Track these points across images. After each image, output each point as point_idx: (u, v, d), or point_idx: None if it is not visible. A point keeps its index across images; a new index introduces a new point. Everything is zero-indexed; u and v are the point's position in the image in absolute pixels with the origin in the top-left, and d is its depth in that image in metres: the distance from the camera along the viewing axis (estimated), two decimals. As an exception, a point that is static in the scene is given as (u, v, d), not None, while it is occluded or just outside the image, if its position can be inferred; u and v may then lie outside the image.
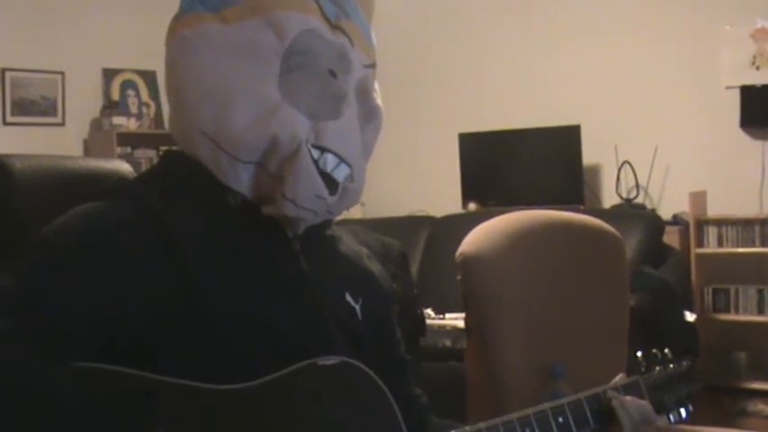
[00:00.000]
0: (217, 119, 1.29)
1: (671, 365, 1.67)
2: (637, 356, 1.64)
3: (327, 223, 1.44)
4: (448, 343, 4.41)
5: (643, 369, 1.62)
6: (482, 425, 1.35)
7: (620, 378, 1.58)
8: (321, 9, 1.34)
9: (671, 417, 1.63)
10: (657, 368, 1.65)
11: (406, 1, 6.31)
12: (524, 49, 5.93)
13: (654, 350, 1.67)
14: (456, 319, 4.48)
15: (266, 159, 1.30)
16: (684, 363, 1.69)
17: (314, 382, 1.23)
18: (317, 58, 1.33)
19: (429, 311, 4.71)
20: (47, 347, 1.08)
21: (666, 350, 1.68)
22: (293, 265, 1.35)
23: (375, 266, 1.51)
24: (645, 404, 1.55)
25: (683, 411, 1.65)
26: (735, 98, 5.22)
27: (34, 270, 1.15)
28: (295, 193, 1.29)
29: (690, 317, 4.77)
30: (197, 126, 1.30)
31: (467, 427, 1.35)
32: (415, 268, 5.10)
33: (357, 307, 1.40)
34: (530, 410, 1.41)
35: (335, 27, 1.35)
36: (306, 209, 1.31)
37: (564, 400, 1.47)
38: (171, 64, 1.35)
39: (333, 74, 1.34)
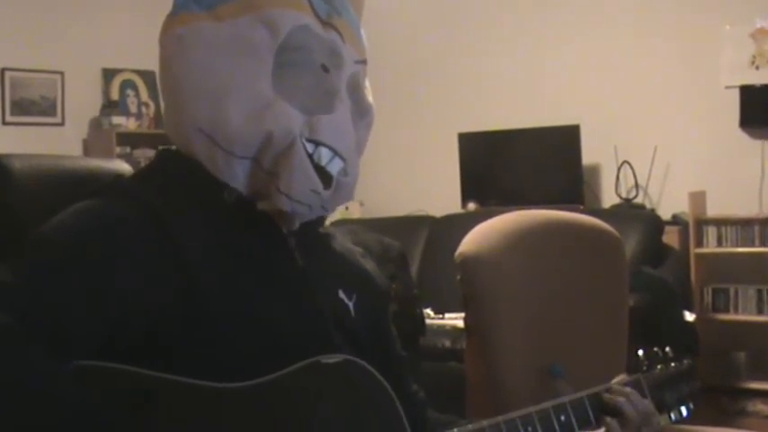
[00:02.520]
0: (212, 115, 1.30)
1: (672, 364, 1.67)
2: (638, 355, 1.64)
3: (321, 221, 1.44)
4: (447, 343, 4.40)
5: (645, 367, 1.63)
6: (484, 423, 1.36)
7: (620, 379, 1.59)
8: (312, 6, 1.36)
9: (672, 415, 1.63)
10: (659, 366, 1.65)
11: (406, 0, 6.31)
12: (524, 48, 5.93)
13: (655, 348, 1.67)
14: (455, 319, 4.48)
15: (261, 155, 1.30)
16: (686, 361, 1.69)
17: (317, 380, 1.23)
18: (309, 54, 1.34)
19: (428, 311, 4.71)
20: (47, 347, 1.08)
21: (668, 348, 1.68)
22: (290, 262, 1.35)
23: (369, 264, 1.51)
24: (647, 403, 1.55)
25: (683, 410, 1.65)
26: (734, 98, 5.22)
27: (33, 269, 1.15)
28: (290, 188, 1.30)
29: (689, 317, 4.77)
30: (192, 122, 1.31)
31: (469, 426, 1.35)
32: (414, 268, 5.10)
33: (350, 304, 1.40)
34: (532, 409, 1.41)
35: (326, 23, 1.37)
36: (300, 203, 1.31)
37: (566, 399, 1.47)
38: (165, 62, 1.35)
39: (325, 69, 1.35)
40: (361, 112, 1.42)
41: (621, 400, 1.51)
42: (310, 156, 1.31)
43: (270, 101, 1.30)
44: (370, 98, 1.44)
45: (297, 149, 1.30)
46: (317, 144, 1.32)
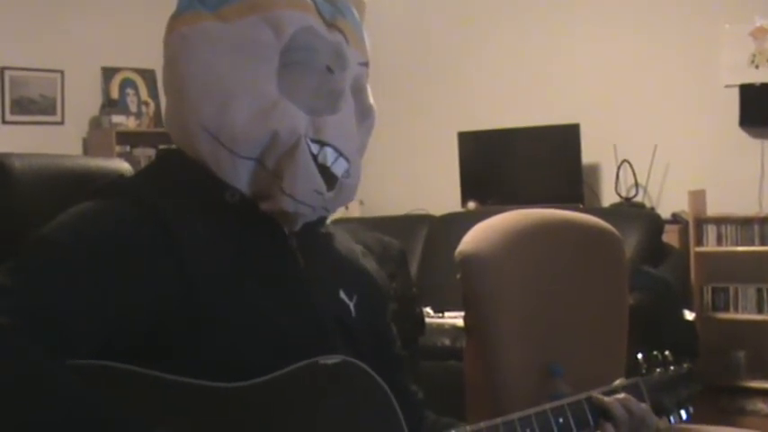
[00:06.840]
0: (217, 115, 1.30)
1: (671, 367, 1.67)
2: (637, 358, 1.64)
3: (322, 221, 1.44)
4: (447, 342, 4.40)
5: (644, 371, 1.63)
6: (482, 424, 1.36)
7: (619, 382, 1.59)
8: (317, 7, 1.36)
9: (671, 418, 1.63)
10: (658, 370, 1.65)
11: (405, 0, 6.31)
12: (524, 47, 5.93)
13: (655, 352, 1.67)
14: (455, 318, 4.47)
15: (265, 155, 1.30)
16: (685, 365, 1.70)
17: (316, 381, 1.23)
18: (314, 55, 1.34)
19: (428, 310, 4.71)
20: (48, 347, 1.08)
21: (667, 352, 1.69)
22: (292, 263, 1.35)
23: (370, 264, 1.52)
24: (643, 406, 1.55)
25: (683, 413, 1.65)
26: (734, 97, 5.22)
27: (34, 269, 1.15)
28: (293, 188, 1.30)
29: (689, 316, 4.77)
30: (197, 121, 1.31)
31: (467, 427, 1.35)
32: (414, 267, 5.10)
33: (351, 304, 1.40)
34: (531, 411, 1.41)
35: (331, 25, 1.37)
36: (304, 204, 1.32)
37: (565, 401, 1.47)
38: (170, 61, 1.36)
39: (330, 70, 1.35)
40: (364, 114, 1.43)
41: (613, 403, 1.50)
42: (315, 156, 1.31)
43: (275, 101, 1.30)
44: (371, 101, 1.45)
45: (301, 150, 1.30)
46: (322, 144, 1.32)
